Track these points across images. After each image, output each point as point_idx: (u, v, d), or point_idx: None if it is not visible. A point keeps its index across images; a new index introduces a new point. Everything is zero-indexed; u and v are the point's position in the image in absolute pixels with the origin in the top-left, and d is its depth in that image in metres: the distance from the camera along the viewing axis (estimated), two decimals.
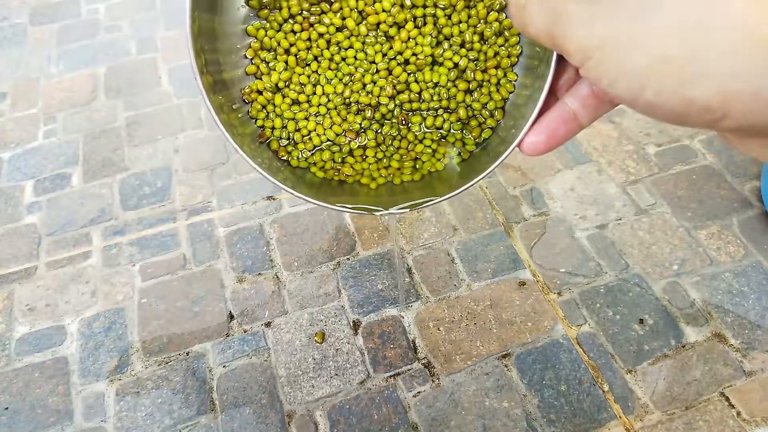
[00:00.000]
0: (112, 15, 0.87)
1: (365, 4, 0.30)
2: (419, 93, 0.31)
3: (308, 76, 0.31)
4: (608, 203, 0.58)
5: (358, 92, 0.31)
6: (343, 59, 0.31)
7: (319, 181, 0.31)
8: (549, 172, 0.61)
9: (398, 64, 0.31)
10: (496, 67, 0.30)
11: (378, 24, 0.30)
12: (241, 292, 0.53)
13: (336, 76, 0.31)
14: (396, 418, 0.44)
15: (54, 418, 0.46)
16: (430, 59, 0.31)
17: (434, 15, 0.30)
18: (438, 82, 0.31)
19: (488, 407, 0.45)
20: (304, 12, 0.30)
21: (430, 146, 0.31)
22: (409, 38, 0.30)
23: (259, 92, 0.31)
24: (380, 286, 0.52)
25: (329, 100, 0.31)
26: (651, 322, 0.49)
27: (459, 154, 0.31)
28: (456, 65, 0.30)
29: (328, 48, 0.31)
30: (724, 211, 0.57)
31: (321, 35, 0.30)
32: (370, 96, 0.31)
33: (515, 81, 0.30)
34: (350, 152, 0.32)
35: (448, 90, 0.31)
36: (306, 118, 0.31)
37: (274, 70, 0.30)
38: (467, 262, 0.54)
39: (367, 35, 0.31)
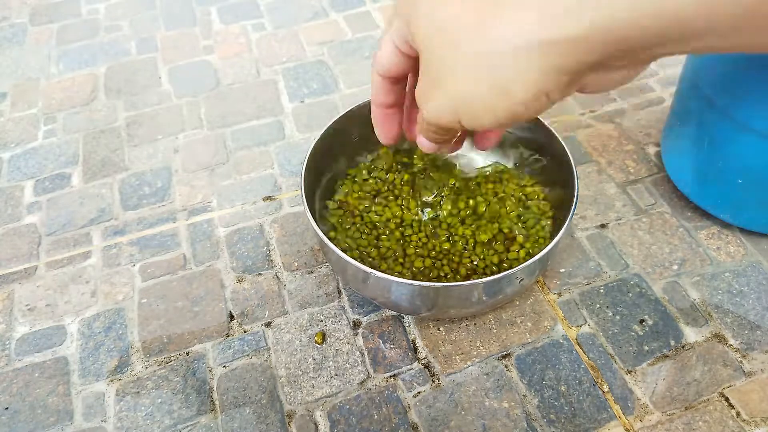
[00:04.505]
0: (112, 15, 0.87)
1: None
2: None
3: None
4: (608, 203, 0.58)
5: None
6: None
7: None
8: None
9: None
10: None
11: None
12: (241, 292, 0.53)
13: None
14: (396, 418, 0.44)
15: (54, 418, 0.46)
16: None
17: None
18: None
19: (488, 407, 0.45)
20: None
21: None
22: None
23: None
24: None
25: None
26: (651, 322, 0.49)
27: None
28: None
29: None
30: None
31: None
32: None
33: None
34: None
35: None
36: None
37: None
38: None
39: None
